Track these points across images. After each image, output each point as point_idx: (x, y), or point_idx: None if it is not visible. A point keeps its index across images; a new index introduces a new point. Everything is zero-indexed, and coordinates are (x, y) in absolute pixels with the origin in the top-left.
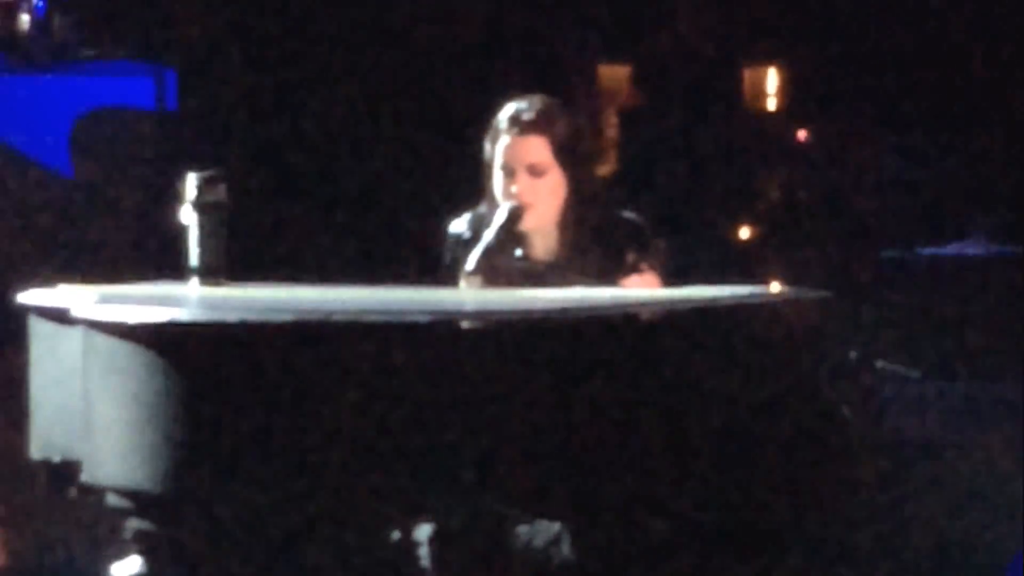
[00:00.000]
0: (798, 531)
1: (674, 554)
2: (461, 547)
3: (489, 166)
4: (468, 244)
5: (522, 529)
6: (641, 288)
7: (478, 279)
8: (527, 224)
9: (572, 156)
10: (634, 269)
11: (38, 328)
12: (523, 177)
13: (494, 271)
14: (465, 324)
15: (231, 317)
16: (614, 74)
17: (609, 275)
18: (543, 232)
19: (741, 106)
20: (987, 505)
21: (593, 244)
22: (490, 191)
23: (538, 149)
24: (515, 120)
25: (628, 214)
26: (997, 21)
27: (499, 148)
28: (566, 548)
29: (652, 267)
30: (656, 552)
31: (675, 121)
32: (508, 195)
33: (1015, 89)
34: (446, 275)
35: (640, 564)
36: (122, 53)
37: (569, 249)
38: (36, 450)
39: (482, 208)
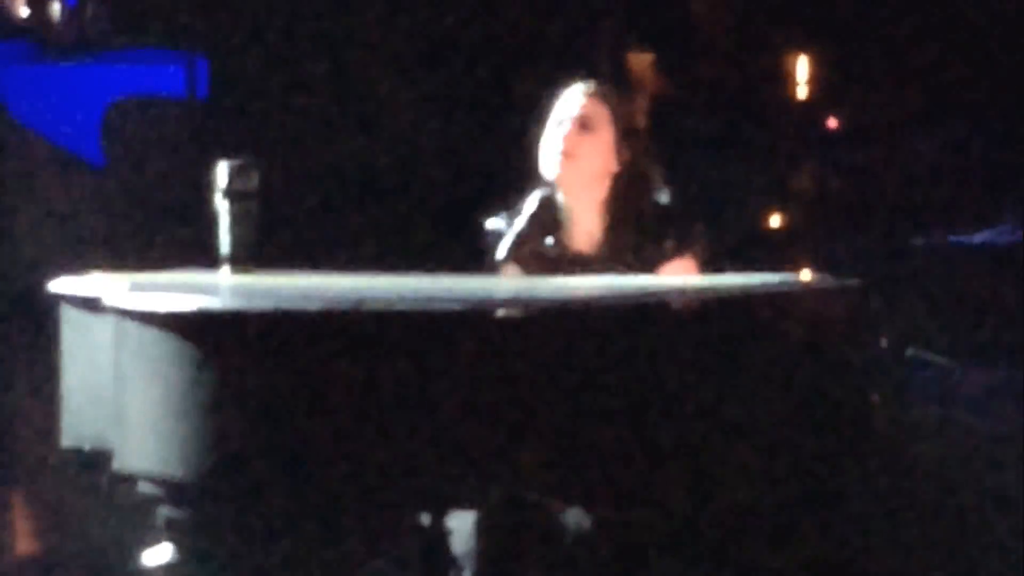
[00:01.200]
0: (827, 517)
1: (709, 542)
2: (501, 535)
3: (541, 146)
4: None
5: (559, 517)
6: (678, 274)
7: (512, 267)
8: (564, 178)
9: (626, 133)
10: (674, 255)
11: (69, 316)
12: (572, 129)
13: (526, 259)
14: (498, 312)
15: (262, 305)
16: (639, 61)
17: (648, 262)
18: (584, 217)
19: (772, 93)
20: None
21: (632, 231)
22: (537, 177)
23: (594, 107)
24: (576, 88)
25: (659, 197)
26: None
27: (556, 112)
28: (602, 536)
29: (693, 254)
30: (692, 539)
31: (703, 108)
32: (555, 146)
33: None
34: (487, 272)
35: (676, 551)
36: (153, 41)
37: (609, 235)
38: (67, 438)
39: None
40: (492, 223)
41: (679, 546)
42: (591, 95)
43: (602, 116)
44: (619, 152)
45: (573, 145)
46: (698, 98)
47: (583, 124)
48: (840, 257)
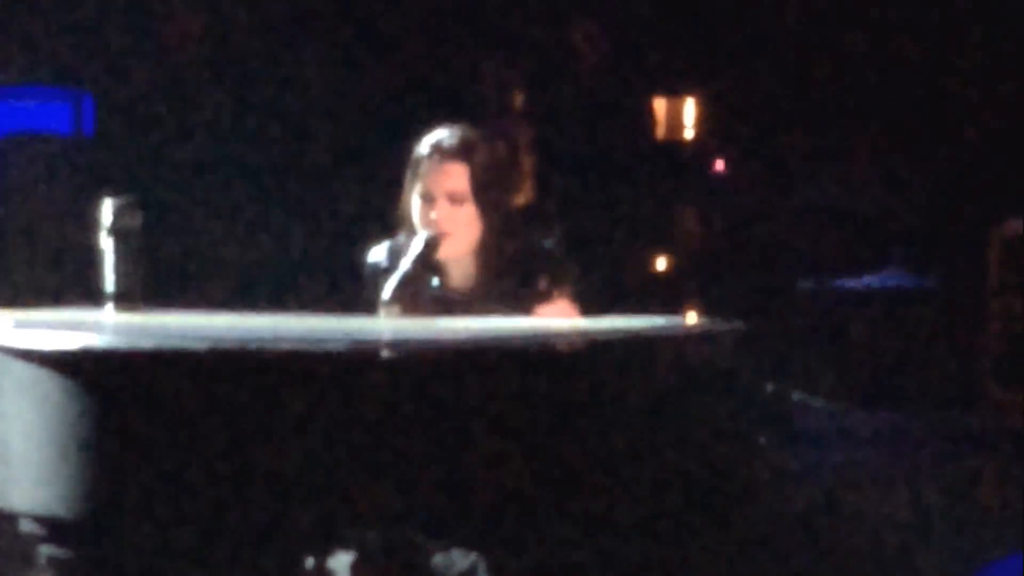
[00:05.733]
0: (719, 561)
1: None
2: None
3: (408, 194)
4: (386, 273)
5: (438, 558)
6: (555, 315)
7: (396, 308)
8: (444, 253)
9: (490, 186)
10: (546, 296)
11: None
12: (443, 204)
13: (411, 300)
14: (382, 353)
15: (146, 344)
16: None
17: (522, 302)
18: (460, 261)
19: (650, 136)
20: (909, 536)
21: (508, 272)
22: (408, 220)
23: (458, 177)
24: (437, 147)
25: (544, 242)
26: (919, 53)
27: (420, 175)
28: None
29: (565, 294)
30: None
31: (587, 152)
32: (427, 222)
33: (933, 122)
34: (365, 304)
35: None
36: (40, 79)
37: (485, 278)
38: None
39: (400, 237)
40: (373, 255)
41: None
42: (450, 158)
43: (464, 180)
44: (482, 206)
45: (449, 224)
46: (582, 141)
47: (452, 200)
48: (725, 300)
